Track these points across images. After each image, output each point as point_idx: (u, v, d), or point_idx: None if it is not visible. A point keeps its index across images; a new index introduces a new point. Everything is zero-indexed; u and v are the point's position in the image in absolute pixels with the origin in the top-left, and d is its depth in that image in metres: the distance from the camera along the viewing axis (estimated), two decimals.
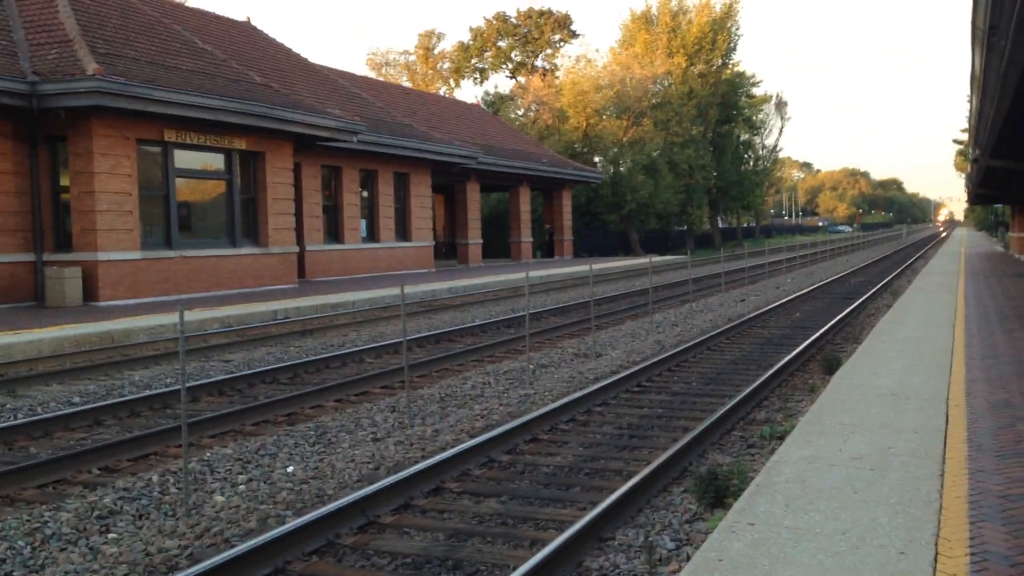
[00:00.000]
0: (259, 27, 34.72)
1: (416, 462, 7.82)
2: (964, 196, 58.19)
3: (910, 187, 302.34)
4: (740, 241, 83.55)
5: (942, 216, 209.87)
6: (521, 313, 19.54)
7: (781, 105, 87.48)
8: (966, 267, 31.92)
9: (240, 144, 24.23)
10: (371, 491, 6.57)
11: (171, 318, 16.78)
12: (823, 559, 4.57)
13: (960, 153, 71.67)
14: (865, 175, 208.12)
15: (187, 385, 10.91)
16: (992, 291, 21.20)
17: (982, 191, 31.23)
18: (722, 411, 9.22)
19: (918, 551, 4.66)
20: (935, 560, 4.55)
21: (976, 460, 6.32)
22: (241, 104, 22.65)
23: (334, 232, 31.12)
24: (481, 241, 42.22)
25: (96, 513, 6.53)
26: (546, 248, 50.02)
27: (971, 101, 16.41)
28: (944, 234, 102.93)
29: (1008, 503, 5.40)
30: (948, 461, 6.32)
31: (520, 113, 62.49)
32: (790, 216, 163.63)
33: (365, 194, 32.93)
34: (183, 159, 23.00)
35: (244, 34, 32.60)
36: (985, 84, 11.52)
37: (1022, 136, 15.07)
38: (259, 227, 25.32)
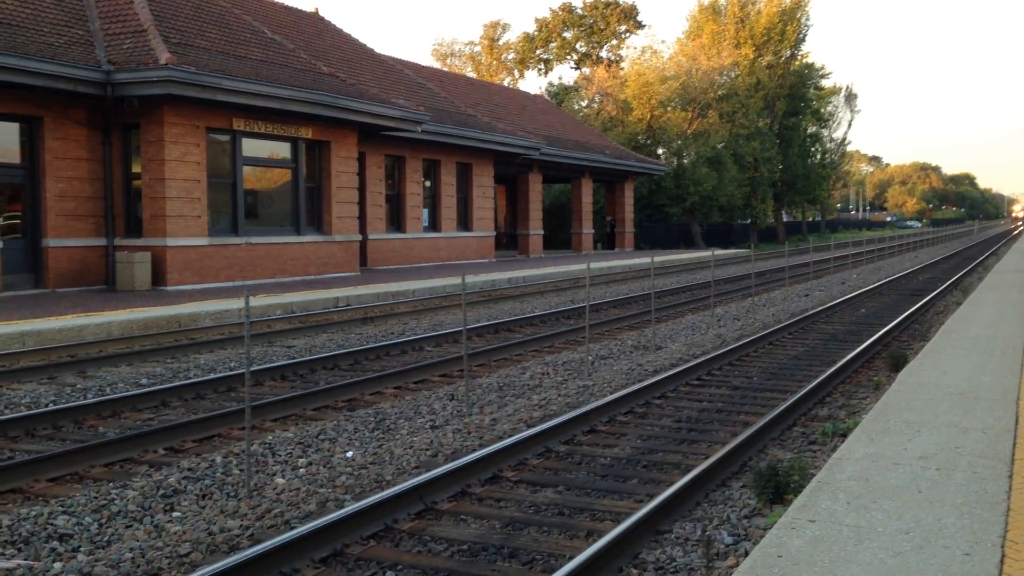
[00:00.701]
0: (326, 17, 35.12)
1: (474, 450, 7.86)
2: None
3: (983, 182, 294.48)
4: (805, 235, 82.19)
5: (1016, 211, 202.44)
6: (580, 304, 19.49)
7: (851, 97, 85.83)
8: None
9: (306, 133, 24.56)
10: (429, 478, 6.62)
11: (236, 303, 17.10)
12: (885, 559, 4.48)
13: None
14: (936, 169, 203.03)
15: (251, 369, 11.12)
16: None
17: None
18: (783, 407, 9.09)
19: (984, 553, 4.54)
20: (1001, 563, 4.42)
21: None
22: (308, 94, 22.94)
23: (396, 221, 31.37)
24: (542, 232, 42.20)
25: (161, 492, 6.68)
26: (607, 240, 49.81)
27: None
28: (1018, 231, 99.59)
29: None
30: (1017, 462, 6.14)
31: (584, 104, 62.27)
32: (857, 211, 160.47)
33: (428, 184, 33.14)
34: (250, 147, 23.41)
35: (312, 24, 32.99)
36: None
37: None
38: (323, 215, 25.65)
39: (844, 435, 8.16)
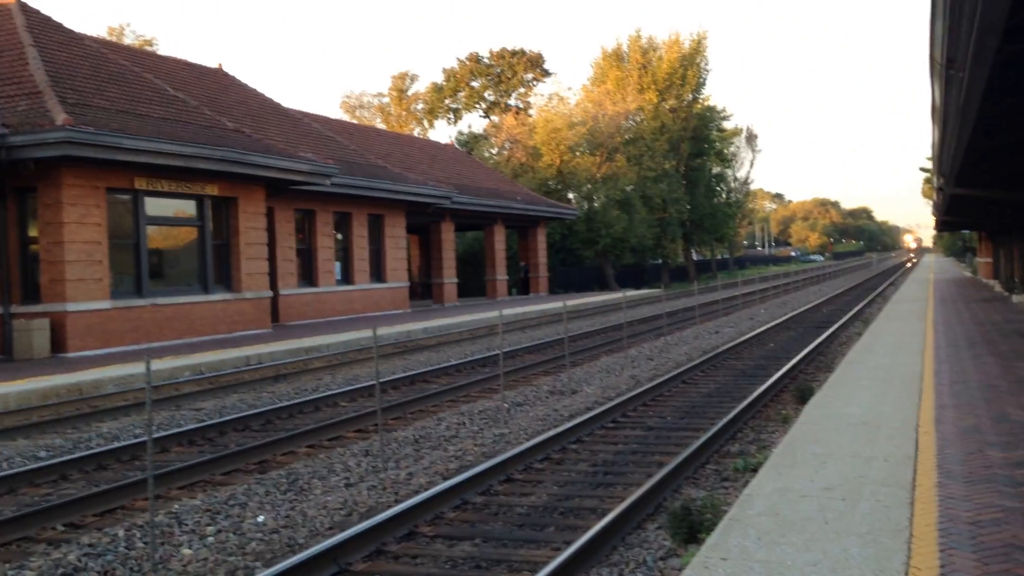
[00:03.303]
0: (230, 73, 34.81)
1: (389, 507, 7.75)
2: (933, 222, 59.03)
3: (880, 215, 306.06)
4: (714, 273, 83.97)
5: (908, 241, 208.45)
6: (496, 352, 19.50)
7: (751, 137, 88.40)
8: (935, 293, 32.24)
9: (212, 190, 24.18)
10: (343, 538, 6.49)
11: (141, 367, 16.54)
12: None
13: (927, 181, 72.62)
14: (835, 204, 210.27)
15: (156, 436, 10.78)
16: (960, 317, 21.41)
17: (948, 218, 31.63)
18: (696, 445, 9.21)
19: None
20: None
21: (946, 487, 6.34)
22: (212, 150, 22.63)
23: (308, 275, 31.00)
24: (456, 280, 42.22)
25: (61, 571, 6.39)
26: (522, 285, 50.09)
27: (933, 132, 16.67)
28: (910, 264, 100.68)
29: (978, 529, 5.41)
30: (918, 489, 6.33)
31: (494, 152, 62.85)
32: (763, 247, 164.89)
33: (339, 236, 32.89)
34: (154, 206, 22.91)
35: (215, 80, 32.67)
36: (945, 115, 11.69)
37: (984, 165, 15.31)
38: (232, 272, 25.20)
39: (755, 470, 8.29)
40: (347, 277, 32.95)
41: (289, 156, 26.00)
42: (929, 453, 7.35)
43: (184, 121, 23.65)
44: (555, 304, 35.31)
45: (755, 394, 12.24)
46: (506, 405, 12.66)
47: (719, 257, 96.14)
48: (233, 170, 23.60)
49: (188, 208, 24.13)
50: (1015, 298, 26.88)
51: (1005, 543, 5.16)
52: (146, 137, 20.87)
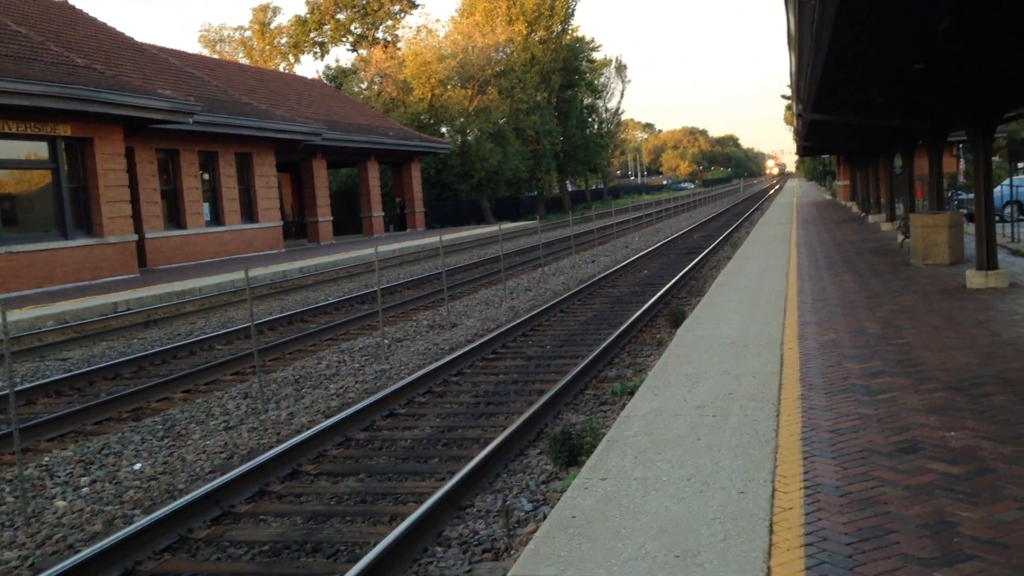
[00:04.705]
0: (78, 6, 32.77)
1: (271, 447, 7.68)
2: (795, 147, 61.13)
3: (746, 142, 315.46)
4: (589, 203, 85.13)
5: (770, 168, 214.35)
6: (374, 289, 19.36)
7: (621, 68, 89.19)
8: (798, 217, 33.59)
9: (64, 131, 22.91)
10: (224, 481, 6.42)
11: None
12: (670, 506, 4.76)
13: (788, 107, 75.00)
14: (704, 133, 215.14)
15: (19, 388, 10.34)
16: (821, 238, 22.41)
17: (809, 143, 32.79)
18: (575, 372, 9.43)
19: (756, 489, 4.91)
20: (772, 496, 4.80)
21: (808, 399, 6.70)
22: (62, 88, 21.37)
23: (175, 217, 29.93)
24: (331, 218, 41.50)
25: None
26: (398, 221, 49.67)
27: (791, 59, 17.19)
28: (773, 189, 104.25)
29: (837, 437, 5.75)
30: (783, 402, 6.67)
31: (363, 87, 61.51)
32: (636, 176, 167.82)
33: (206, 176, 31.77)
34: (2, 149, 21.58)
35: (61, 14, 30.70)
36: (800, 43, 12.04)
37: (840, 91, 15.87)
38: (92, 216, 24.07)
39: (632, 393, 8.57)
40: (217, 218, 31.96)
41: (146, 93, 24.81)
42: (793, 368, 7.74)
43: (29, 58, 22.22)
44: (432, 239, 35.21)
45: (630, 320, 12.57)
46: (386, 341, 12.63)
47: (593, 187, 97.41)
48: (86, 109, 22.38)
49: (40, 150, 22.84)
50: (871, 218, 28.27)
51: (862, 448, 5.51)
52: None
